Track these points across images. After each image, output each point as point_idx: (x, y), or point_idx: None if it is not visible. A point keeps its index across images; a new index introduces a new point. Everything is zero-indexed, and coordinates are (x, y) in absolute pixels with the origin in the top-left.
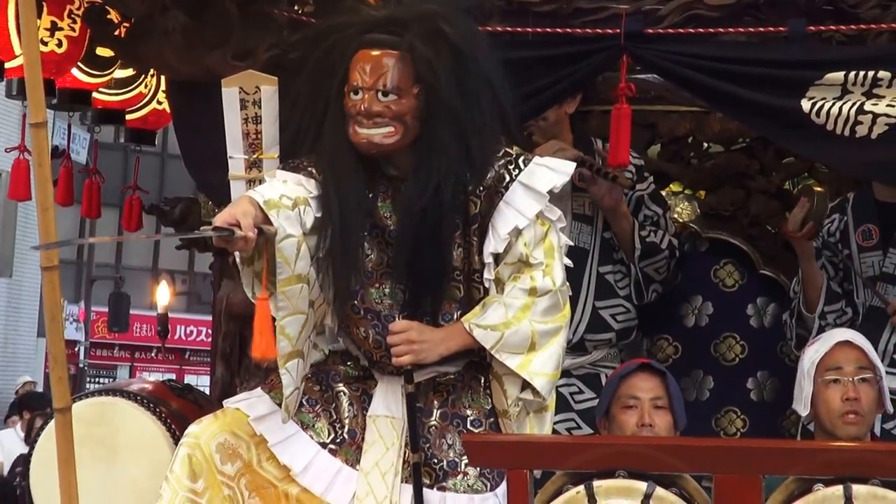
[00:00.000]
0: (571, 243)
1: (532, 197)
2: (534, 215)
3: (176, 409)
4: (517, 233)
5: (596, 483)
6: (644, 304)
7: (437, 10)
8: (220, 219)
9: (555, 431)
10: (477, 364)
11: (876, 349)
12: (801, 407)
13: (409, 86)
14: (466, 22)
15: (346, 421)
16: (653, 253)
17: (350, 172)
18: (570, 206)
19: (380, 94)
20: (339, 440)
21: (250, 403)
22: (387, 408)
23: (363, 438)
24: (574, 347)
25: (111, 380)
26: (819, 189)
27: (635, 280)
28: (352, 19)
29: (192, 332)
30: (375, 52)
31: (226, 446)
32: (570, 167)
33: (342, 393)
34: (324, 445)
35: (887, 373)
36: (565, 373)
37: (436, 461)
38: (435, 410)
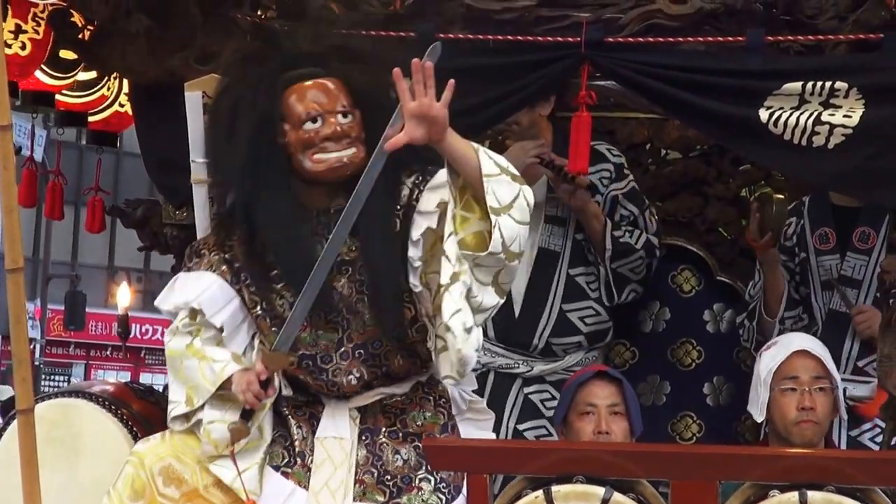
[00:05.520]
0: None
1: (437, 193)
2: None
3: (137, 412)
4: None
5: (555, 488)
6: (618, 305)
7: (348, 42)
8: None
9: (525, 438)
10: (424, 384)
11: (838, 355)
12: (757, 412)
13: (354, 110)
14: (377, 48)
15: (297, 443)
16: (627, 253)
17: (295, 216)
18: (543, 208)
19: (340, 116)
20: (291, 463)
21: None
22: (335, 429)
23: (312, 460)
24: (543, 352)
25: (66, 377)
26: (778, 196)
27: (605, 281)
28: (263, 64)
29: (147, 330)
30: (311, 82)
31: (170, 471)
32: None
33: (290, 417)
34: (277, 468)
35: (850, 380)
36: (538, 379)
37: (389, 478)
38: (383, 429)
